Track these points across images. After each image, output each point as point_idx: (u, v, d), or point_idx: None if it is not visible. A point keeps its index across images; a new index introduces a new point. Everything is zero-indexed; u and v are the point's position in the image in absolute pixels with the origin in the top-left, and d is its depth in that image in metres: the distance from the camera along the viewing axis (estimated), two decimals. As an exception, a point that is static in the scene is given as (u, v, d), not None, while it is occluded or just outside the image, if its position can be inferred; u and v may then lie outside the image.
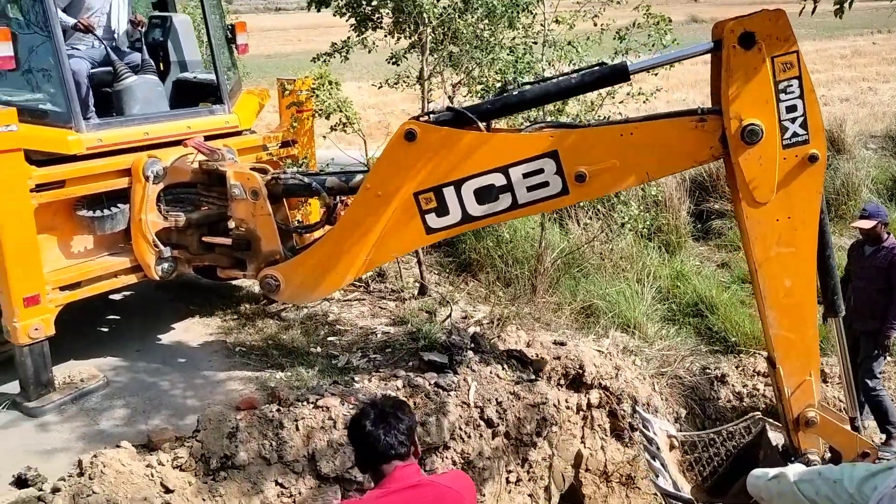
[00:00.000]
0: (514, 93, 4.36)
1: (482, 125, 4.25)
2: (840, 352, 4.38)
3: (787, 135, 3.81)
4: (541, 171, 4.18)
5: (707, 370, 6.69)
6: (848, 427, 4.35)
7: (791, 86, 3.75)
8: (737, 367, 6.78)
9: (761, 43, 3.65)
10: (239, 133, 5.93)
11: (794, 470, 1.94)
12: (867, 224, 5.60)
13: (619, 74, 4.06)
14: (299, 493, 4.32)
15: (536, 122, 4.43)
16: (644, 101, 6.55)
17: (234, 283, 6.52)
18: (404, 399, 2.57)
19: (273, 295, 5.10)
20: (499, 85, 5.95)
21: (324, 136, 6.33)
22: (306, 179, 4.97)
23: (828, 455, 4.42)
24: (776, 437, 4.97)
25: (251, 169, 5.15)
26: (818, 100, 3.85)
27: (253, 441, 4.31)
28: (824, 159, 3.87)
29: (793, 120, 3.80)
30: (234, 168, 5.07)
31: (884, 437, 5.79)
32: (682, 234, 9.19)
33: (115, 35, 5.70)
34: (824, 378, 6.28)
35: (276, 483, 4.28)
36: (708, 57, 3.98)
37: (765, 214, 3.94)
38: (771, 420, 5.18)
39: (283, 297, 5.15)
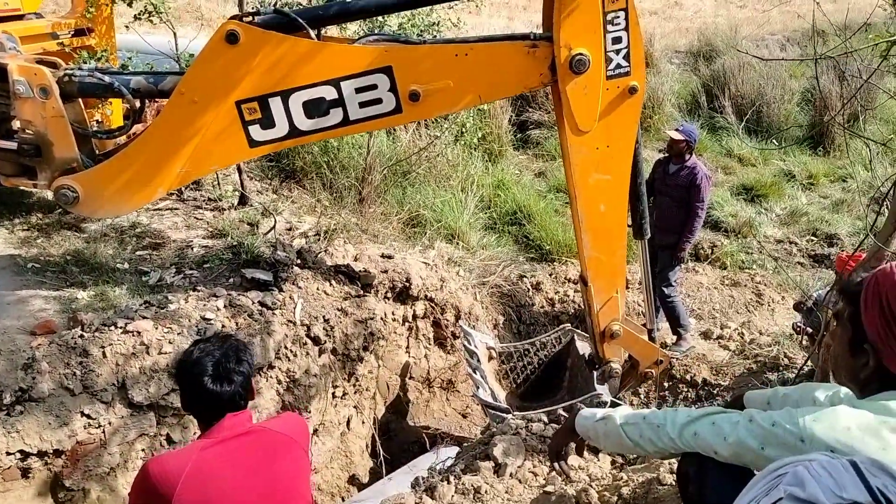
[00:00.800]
0: (348, 0, 4.06)
1: (313, 32, 3.94)
2: (644, 272, 4.74)
3: (611, 66, 3.89)
4: (374, 86, 3.98)
5: (524, 277, 7.03)
6: (646, 338, 4.78)
7: (618, 17, 3.81)
8: (550, 275, 7.17)
9: (593, -29, 3.64)
10: (21, 17, 5.09)
11: (620, 412, 2.05)
12: (677, 136, 5.99)
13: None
14: (109, 423, 4.05)
15: (372, 34, 4.17)
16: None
17: (21, 189, 5.76)
18: (239, 340, 2.38)
19: (71, 207, 4.54)
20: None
21: (126, 27, 5.61)
22: (107, 79, 4.37)
23: (626, 364, 4.84)
24: (583, 347, 5.39)
25: (38, 62, 4.45)
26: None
27: (54, 371, 3.95)
28: (643, 91, 4.02)
29: (617, 52, 3.88)
30: (18, 61, 4.35)
31: (675, 338, 6.44)
32: (503, 143, 9.40)
33: None
34: (627, 285, 6.83)
35: (83, 414, 3.97)
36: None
37: (586, 142, 4.06)
38: (579, 331, 5.59)
39: (82, 209, 4.59)
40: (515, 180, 8.67)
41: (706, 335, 6.59)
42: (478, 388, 5.02)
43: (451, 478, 3.15)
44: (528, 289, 6.91)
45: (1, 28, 4.73)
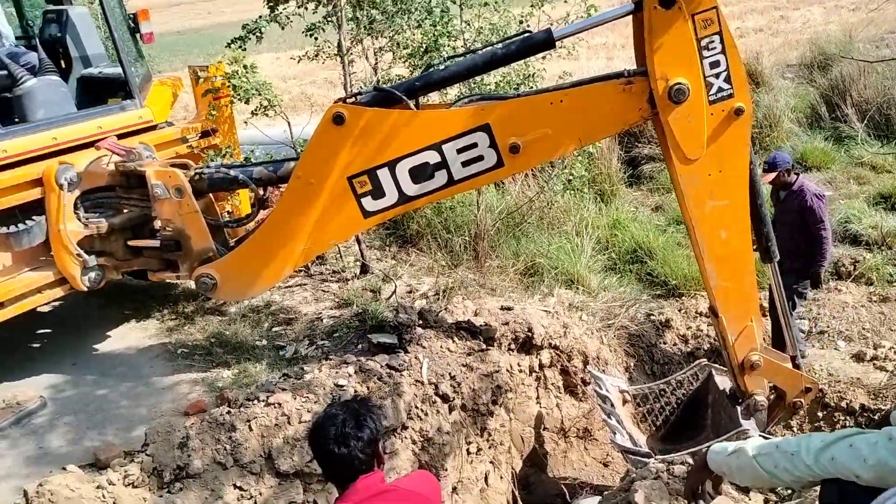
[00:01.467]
0: (441, 68, 4.24)
1: (411, 103, 4.13)
2: (777, 295, 4.52)
3: (713, 90, 3.85)
4: (474, 145, 4.11)
5: (651, 316, 6.83)
6: (789, 365, 4.52)
7: (713, 42, 3.77)
8: (679, 310, 6.93)
9: (681, 1, 3.63)
10: (154, 127, 5.65)
11: (752, 444, 1.97)
12: (769, 177, 5.68)
13: (544, 42, 3.99)
14: (260, 494, 4.24)
15: (466, 96, 4.33)
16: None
17: (168, 281, 6.29)
18: (365, 398, 2.49)
19: (210, 294, 4.93)
20: (423, 56, 5.80)
21: (245, 122, 6.09)
22: (232, 172, 4.77)
23: (772, 396, 4.58)
24: (723, 381, 5.14)
25: (172, 165, 4.91)
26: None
27: (206, 447, 4.21)
28: (750, 111, 3.93)
29: (717, 75, 3.83)
30: (154, 167, 4.83)
31: None
32: (614, 182, 9.29)
33: (5, 36, 5.30)
34: (764, 313, 6.50)
35: (235, 486, 4.19)
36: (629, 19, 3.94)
37: (697, 170, 3.99)
38: (716, 365, 5.35)
39: (221, 295, 4.99)
40: (632, 217, 8.52)
41: (858, 357, 6.12)
42: (615, 433, 4.90)
43: (592, 527, 3.08)
44: (658, 327, 6.71)
45: (138, 139, 5.26)
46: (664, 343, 6.59)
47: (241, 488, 4.18)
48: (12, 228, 4.73)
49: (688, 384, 5.41)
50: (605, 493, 3.97)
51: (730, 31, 3.77)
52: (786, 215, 5.80)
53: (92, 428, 4.69)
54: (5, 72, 5.05)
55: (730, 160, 3.98)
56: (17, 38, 5.86)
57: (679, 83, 3.78)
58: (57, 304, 6.05)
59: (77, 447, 4.52)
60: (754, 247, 4.35)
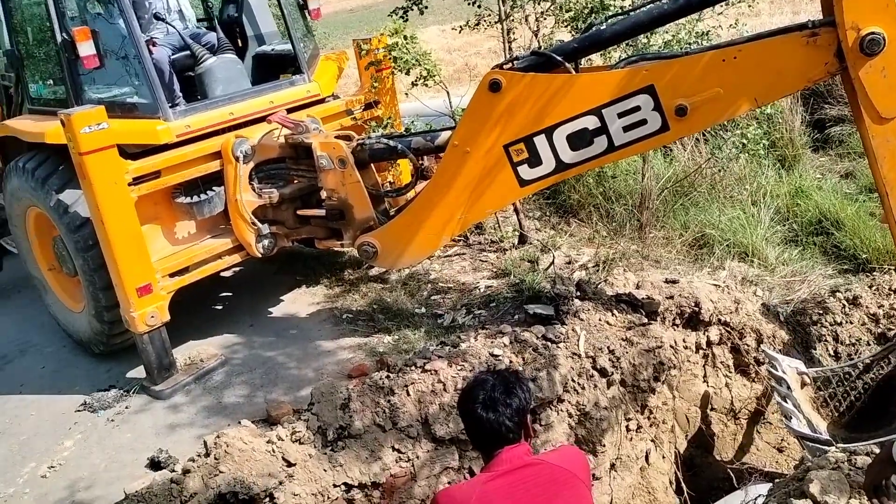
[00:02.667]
0: (602, 27, 4.04)
1: (570, 66, 3.97)
2: None
3: None
4: (637, 108, 3.90)
5: (837, 292, 6.22)
6: None
7: (915, -18, 3.29)
8: (870, 287, 6.23)
9: (877, -64, 3.19)
10: (322, 101, 5.87)
11: (952, 438, 1.69)
12: None
13: (715, -7, 3.67)
14: (417, 458, 4.34)
15: (628, 57, 4.10)
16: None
17: (335, 249, 6.57)
18: (517, 370, 2.45)
19: (371, 261, 5.09)
20: (587, 19, 5.57)
21: (406, 94, 6.17)
22: (391, 143, 4.86)
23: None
24: (921, 367, 4.59)
25: (336, 137, 5.08)
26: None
27: (366, 409, 4.34)
28: (956, 61, 3.39)
29: None
30: (319, 139, 5.02)
31: None
32: (798, 147, 8.52)
33: (188, 18, 5.70)
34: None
35: (393, 449, 4.31)
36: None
37: (892, 130, 3.54)
38: (914, 348, 4.78)
39: (381, 262, 5.13)
40: (817, 185, 7.77)
41: None
42: (790, 418, 4.51)
43: (761, 518, 2.85)
44: (844, 304, 6.08)
45: (306, 113, 5.49)
46: (851, 322, 5.96)
47: (398, 451, 4.29)
48: (195, 198, 5.12)
49: (877, 368, 4.88)
50: (777, 480, 3.67)
51: (940, -34, 3.27)
52: None
53: (265, 386, 5.01)
54: (188, 52, 5.44)
55: (931, 118, 3.49)
56: (198, 19, 6.30)
57: (873, 33, 3.35)
58: (235, 269, 6.52)
59: (251, 403, 4.86)
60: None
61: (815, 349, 5.89)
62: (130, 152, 4.88)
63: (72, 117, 4.35)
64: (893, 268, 6.21)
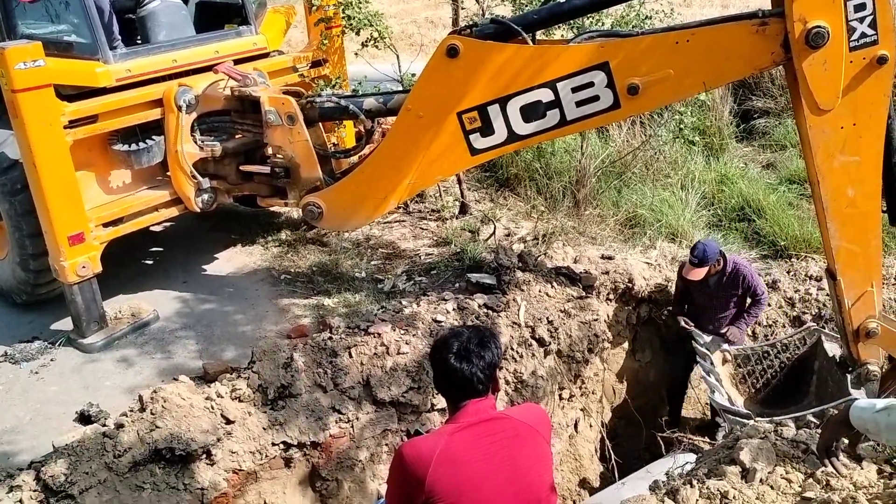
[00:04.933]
0: (562, 1, 4.08)
1: (528, 37, 4.00)
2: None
3: (855, 36, 3.53)
4: (590, 84, 3.96)
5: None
6: (910, 335, 4.25)
7: (859, -17, 3.46)
8: (788, 272, 6.62)
9: (825, -65, 3.34)
10: (267, 55, 5.73)
11: (908, 400, 1.84)
12: (700, 273, 5.01)
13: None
14: (357, 419, 4.37)
15: (585, 32, 4.16)
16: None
17: (273, 209, 6.46)
18: (491, 331, 2.49)
19: (316, 222, 5.02)
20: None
21: (355, 54, 6.08)
22: (343, 102, 4.78)
23: (886, 366, 4.34)
24: (832, 348, 4.91)
25: (284, 93, 4.97)
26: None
27: (308, 370, 4.34)
28: (894, 60, 3.60)
29: (861, 20, 3.51)
30: (268, 93, 4.90)
31: None
32: (724, 136, 8.86)
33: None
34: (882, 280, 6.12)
35: (334, 410, 4.32)
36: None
37: (829, 122, 3.71)
38: (826, 330, 5.10)
39: (325, 224, 5.07)
40: (741, 174, 8.12)
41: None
42: (713, 391, 4.77)
43: (695, 481, 3.01)
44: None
45: (252, 66, 5.34)
46: (769, 305, 6.32)
47: (339, 411, 4.31)
48: (132, 146, 4.92)
49: (794, 348, 5.19)
50: (707, 449, 3.88)
51: (879, -30, 3.45)
52: (722, 296, 5.25)
53: (200, 342, 4.92)
54: (130, -7, 5.20)
55: (866, 113, 3.67)
56: (141, -39, 5.99)
57: (818, 26, 3.49)
58: (168, 224, 6.31)
59: (186, 359, 4.76)
60: (883, 208, 4.06)
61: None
62: (65, 94, 4.64)
63: (5, 52, 4.10)
64: (809, 255, 6.57)
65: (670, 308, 5.55)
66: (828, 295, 5.09)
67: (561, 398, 5.13)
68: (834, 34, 3.51)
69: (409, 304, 4.88)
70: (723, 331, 5.24)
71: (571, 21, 5.17)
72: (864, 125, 3.70)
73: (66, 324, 5.02)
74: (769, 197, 7.55)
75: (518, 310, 4.92)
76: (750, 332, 6.25)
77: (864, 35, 3.53)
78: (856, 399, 3.94)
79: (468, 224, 6.23)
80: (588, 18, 5.76)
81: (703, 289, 5.18)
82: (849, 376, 4.47)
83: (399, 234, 6.22)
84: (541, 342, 4.88)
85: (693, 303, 5.32)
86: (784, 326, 6.12)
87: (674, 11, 6.97)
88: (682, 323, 5.25)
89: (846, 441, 2.07)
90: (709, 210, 7.50)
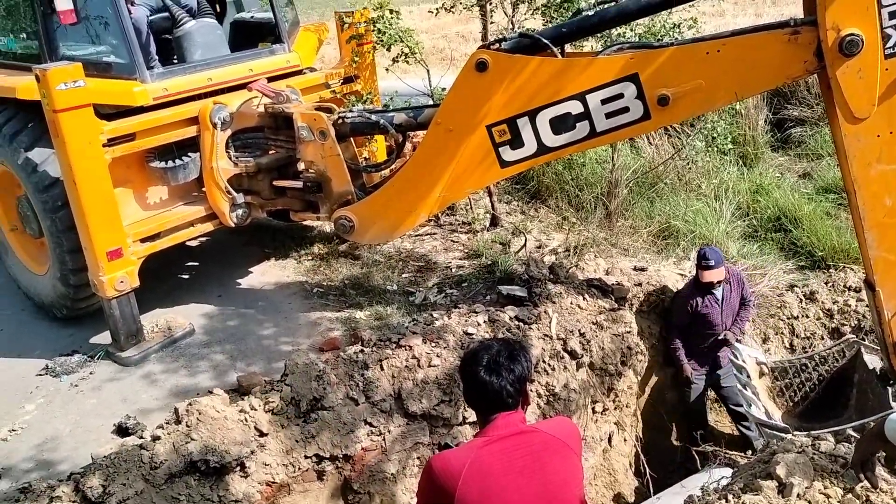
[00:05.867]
0: (591, 13, 4.08)
1: (557, 50, 4.02)
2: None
3: (890, 43, 3.48)
4: (620, 95, 3.95)
5: (795, 287, 6.45)
6: (955, 347, 4.14)
7: (894, -12, 3.40)
8: (826, 283, 6.50)
9: (860, -58, 3.29)
10: (300, 72, 5.82)
11: (944, 412, 1.79)
12: (720, 274, 5.01)
13: (704, -15, 3.74)
14: (388, 432, 4.38)
15: (614, 44, 4.16)
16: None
17: (306, 224, 6.53)
18: (521, 343, 2.49)
19: (347, 236, 5.07)
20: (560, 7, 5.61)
21: (386, 69, 6.14)
22: (373, 117, 4.84)
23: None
24: (872, 360, 4.81)
25: (316, 109, 5.04)
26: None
27: (340, 383, 4.36)
28: (931, 67, 3.53)
29: None
30: (300, 109, 4.98)
31: None
32: (759, 146, 8.77)
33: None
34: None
35: (366, 422, 4.34)
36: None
37: (865, 130, 3.65)
38: (866, 343, 5.00)
39: (357, 237, 5.11)
40: (776, 184, 8.01)
41: None
42: (750, 405, 4.70)
43: (730, 496, 2.96)
44: (801, 299, 6.32)
45: (286, 83, 5.42)
46: (807, 316, 6.21)
47: (371, 424, 4.32)
48: (169, 163, 5.03)
49: (832, 361, 5.09)
50: (743, 463, 3.81)
51: (916, -25, 3.39)
52: (730, 304, 5.21)
53: (234, 356, 4.98)
54: (167, 14, 5.32)
55: (903, 121, 3.63)
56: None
57: (852, 34, 3.45)
58: (203, 239, 6.42)
59: (220, 373, 4.82)
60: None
61: (772, 341, 6.12)
62: (104, 113, 4.76)
63: (48, 73, 4.22)
64: (848, 266, 6.44)
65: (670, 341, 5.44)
66: (867, 306, 4.97)
67: (594, 412, 5.08)
68: (868, 42, 3.46)
69: (440, 317, 4.89)
70: (721, 337, 5.15)
71: (600, 34, 5.17)
72: (903, 133, 3.64)
73: (104, 337, 5.12)
74: (805, 207, 7.44)
75: (550, 322, 4.90)
76: (788, 345, 6.16)
77: (900, 42, 3.49)
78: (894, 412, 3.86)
79: (499, 236, 6.24)
80: (616, 30, 5.75)
81: (712, 303, 5.12)
82: (889, 389, 4.38)
83: (430, 247, 6.24)
84: (573, 355, 4.85)
85: (701, 323, 5.17)
86: (822, 339, 6.01)
87: (697, 21, 6.89)
88: (688, 374, 5.17)
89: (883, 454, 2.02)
90: (743, 220, 7.41)
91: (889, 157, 3.69)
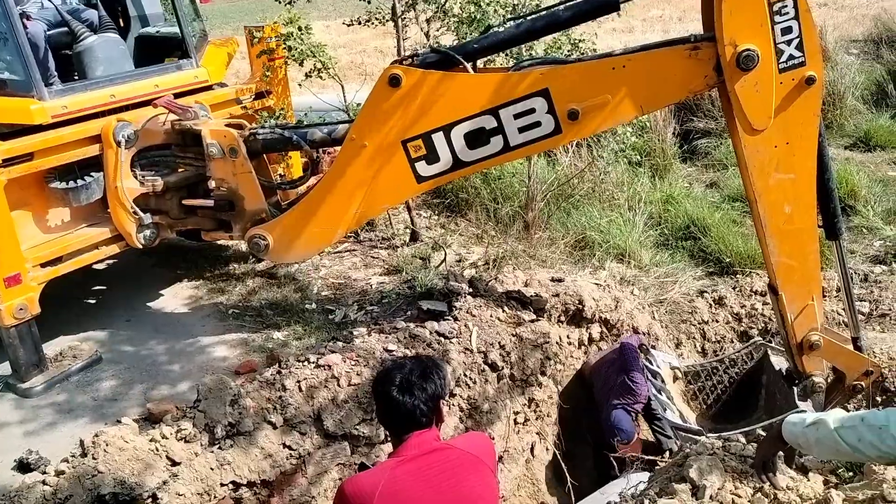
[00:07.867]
0: (501, 30, 4.14)
1: (469, 66, 4.05)
2: (842, 274, 4.34)
3: (783, 58, 3.66)
4: (532, 110, 4.02)
5: (704, 293, 6.68)
6: (850, 347, 4.36)
7: (785, 6, 3.58)
8: (734, 289, 6.75)
9: (753, -38, 3.46)
10: (210, 87, 5.67)
11: (833, 416, 1.88)
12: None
13: (608, 5, 3.85)
14: (308, 453, 4.28)
15: (525, 60, 4.22)
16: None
17: (219, 243, 6.35)
18: (435, 361, 2.47)
19: (262, 255, 4.95)
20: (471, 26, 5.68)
21: (299, 85, 6.07)
22: (286, 133, 4.76)
23: (831, 378, 4.44)
24: (778, 362, 5.00)
25: (227, 125, 4.92)
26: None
27: (257, 406, 4.24)
28: (822, 81, 3.74)
29: (788, 42, 3.64)
30: (209, 126, 4.84)
31: None
32: (668, 157, 9.07)
33: (66, -7, 5.37)
34: (824, 293, 6.27)
35: (284, 445, 4.23)
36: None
37: (763, 141, 3.83)
38: (772, 344, 5.20)
39: (272, 256, 5.00)
40: (685, 193, 8.31)
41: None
42: (665, 409, 4.81)
43: (647, 501, 3.02)
44: (711, 304, 6.55)
45: (194, 99, 5.28)
46: (717, 321, 6.43)
47: (290, 447, 4.21)
48: (70, 184, 4.80)
49: (741, 363, 5.28)
50: (657, 467, 3.90)
51: (804, -4, 3.59)
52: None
53: (145, 382, 4.78)
54: (66, 28, 5.10)
55: (798, 131, 3.80)
56: (77, -5, 5.92)
57: (748, 49, 3.61)
58: (111, 261, 6.16)
59: (131, 401, 4.62)
60: (819, 223, 4.19)
61: (685, 346, 6.31)
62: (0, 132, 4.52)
63: (-66, 89, 3.98)
64: (754, 271, 6.72)
65: (621, 327, 5.58)
66: (772, 309, 5.19)
67: (516, 423, 5.11)
68: (764, 57, 3.63)
69: (360, 335, 4.83)
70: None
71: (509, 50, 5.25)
72: (797, 144, 3.82)
73: (4, 368, 4.84)
74: (713, 215, 7.74)
75: (470, 335, 4.91)
76: (700, 349, 6.37)
77: (792, 57, 3.66)
78: (802, 412, 4.04)
79: (419, 251, 6.23)
80: (524, 48, 5.85)
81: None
82: (795, 389, 4.56)
83: (349, 264, 6.17)
84: (493, 367, 4.87)
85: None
86: (732, 342, 6.24)
87: (596, 36, 7.06)
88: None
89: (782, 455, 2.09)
90: (656, 230, 7.65)
91: (786, 167, 3.88)
